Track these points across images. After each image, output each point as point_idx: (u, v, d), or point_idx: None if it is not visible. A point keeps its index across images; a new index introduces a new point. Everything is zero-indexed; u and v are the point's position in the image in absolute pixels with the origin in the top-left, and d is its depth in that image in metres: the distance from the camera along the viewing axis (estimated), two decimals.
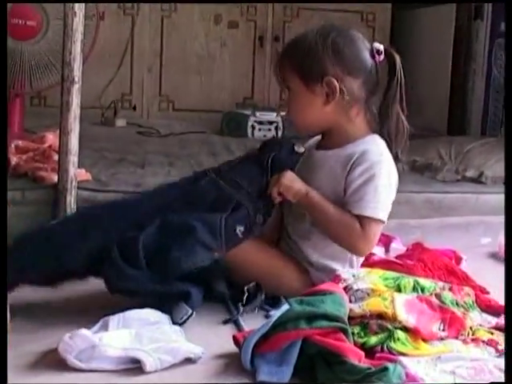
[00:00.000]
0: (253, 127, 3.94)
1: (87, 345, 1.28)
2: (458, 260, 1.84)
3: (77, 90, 2.24)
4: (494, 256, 2.02)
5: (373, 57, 1.64)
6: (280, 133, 3.90)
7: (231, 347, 1.34)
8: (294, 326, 1.27)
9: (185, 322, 1.46)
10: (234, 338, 1.35)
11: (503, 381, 1.15)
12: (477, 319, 1.50)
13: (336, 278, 1.54)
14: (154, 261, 1.48)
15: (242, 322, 1.50)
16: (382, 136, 1.66)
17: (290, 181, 1.61)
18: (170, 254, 1.48)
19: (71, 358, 1.27)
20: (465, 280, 1.70)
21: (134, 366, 1.27)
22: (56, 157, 2.39)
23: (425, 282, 1.61)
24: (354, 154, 1.61)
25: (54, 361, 1.29)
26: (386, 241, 1.97)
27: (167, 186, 1.69)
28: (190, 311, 1.48)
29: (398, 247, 1.94)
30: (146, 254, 1.47)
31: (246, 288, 1.57)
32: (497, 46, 3.79)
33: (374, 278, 1.55)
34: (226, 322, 1.51)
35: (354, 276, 1.55)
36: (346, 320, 1.34)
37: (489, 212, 2.63)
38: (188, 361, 1.30)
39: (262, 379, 1.23)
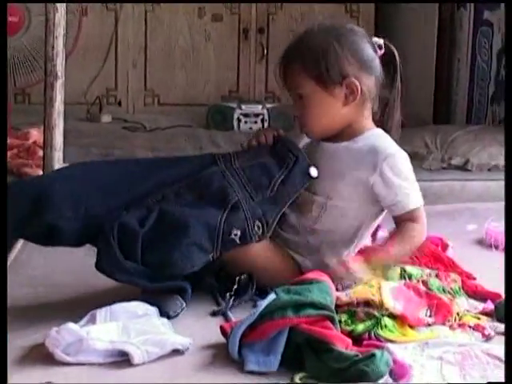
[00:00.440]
0: (239, 120, 3.94)
1: (74, 338, 1.28)
2: (445, 247, 1.84)
3: (60, 85, 2.24)
4: (480, 242, 2.02)
5: (375, 52, 1.63)
6: (266, 125, 3.90)
7: (219, 338, 1.34)
8: (281, 314, 1.27)
9: (177, 315, 1.46)
10: (222, 329, 1.35)
11: (503, 381, 1.15)
12: (463, 305, 1.51)
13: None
14: (151, 260, 1.46)
15: (230, 313, 1.49)
16: (384, 128, 1.66)
17: (361, 273, 1.52)
18: (167, 255, 1.46)
19: (59, 352, 1.27)
20: (451, 266, 1.70)
21: (122, 359, 1.27)
22: (41, 153, 2.39)
23: (411, 269, 1.62)
24: (368, 147, 1.59)
25: (41, 355, 1.29)
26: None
27: (175, 160, 1.64)
28: (184, 304, 1.48)
29: (384, 235, 1.94)
30: (144, 251, 1.45)
31: (237, 278, 1.56)
32: (480, 35, 3.80)
33: None
34: (214, 314, 1.50)
35: None
36: (333, 308, 1.35)
37: (475, 199, 2.64)
38: (176, 352, 1.30)
39: (249, 368, 1.23)
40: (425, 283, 1.55)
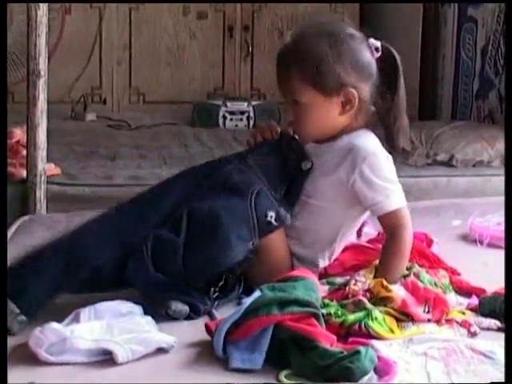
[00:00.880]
0: (224, 117, 3.94)
1: (58, 338, 1.27)
2: (430, 243, 1.84)
3: (43, 83, 2.23)
4: (464, 238, 2.02)
5: (372, 55, 1.60)
6: (252, 122, 3.90)
7: (204, 336, 1.34)
8: (266, 312, 1.27)
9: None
10: (206, 327, 1.34)
11: (502, 380, 1.16)
12: (452, 301, 1.51)
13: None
14: (192, 264, 1.46)
15: (215, 311, 1.49)
16: (390, 132, 1.64)
17: None
18: (207, 253, 1.45)
19: (42, 352, 1.26)
20: (436, 262, 1.70)
21: (106, 358, 1.26)
22: (24, 152, 2.38)
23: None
24: (348, 147, 1.58)
25: (24, 355, 1.28)
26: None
27: (192, 170, 1.63)
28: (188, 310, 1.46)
29: (369, 232, 1.94)
30: (184, 257, 1.45)
31: (224, 276, 1.54)
32: (465, 31, 3.81)
33: None
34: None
35: None
36: (318, 305, 1.34)
37: (460, 194, 2.66)
38: (160, 351, 1.29)
39: (234, 366, 1.23)
40: (416, 275, 1.54)
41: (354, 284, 1.49)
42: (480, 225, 2.00)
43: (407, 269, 1.58)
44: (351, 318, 1.36)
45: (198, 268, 1.47)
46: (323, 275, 1.63)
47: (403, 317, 1.40)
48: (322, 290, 1.50)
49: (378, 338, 1.33)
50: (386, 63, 1.63)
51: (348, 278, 1.56)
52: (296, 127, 1.63)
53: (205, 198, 1.52)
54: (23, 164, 2.38)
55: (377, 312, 1.37)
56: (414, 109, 4.09)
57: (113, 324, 1.33)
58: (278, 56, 1.63)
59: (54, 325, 1.30)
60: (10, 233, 2.03)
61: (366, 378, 1.19)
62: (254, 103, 3.95)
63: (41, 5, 2.16)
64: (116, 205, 1.59)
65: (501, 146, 2.92)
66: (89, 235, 1.51)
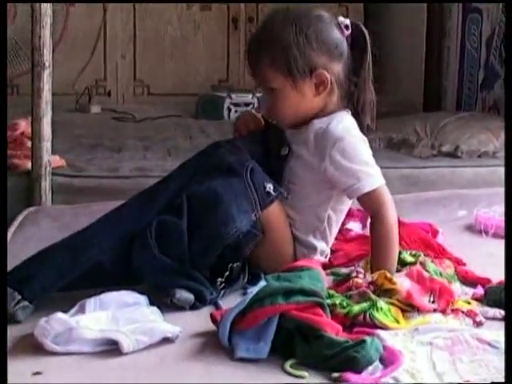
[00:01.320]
0: (229, 109, 3.94)
1: (64, 328, 1.27)
2: (435, 233, 1.84)
3: (48, 75, 2.23)
4: (470, 228, 2.02)
5: (342, 33, 1.61)
6: None
7: (209, 326, 1.34)
8: (271, 301, 1.27)
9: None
10: (212, 316, 1.34)
11: (502, 380, 1.16)
12: (458, 291, 1.51)
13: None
14: (197, 244, 1.47)
15: (221, 301, 1.49)
16: (356, 109, 1.65)
17: None
18: (211, 230, 1.47)
19: (48, 342, 1.26)
20: (441, 252, 1.70)
21: (112, 348, 1.26)
22: (29, 144, 2.38)
23: (405, 255, 1.62)
24: (320, 133, 1.59)
25: (30, 346, 1.28)
26: (363, 216, 1.97)
27: (188, 161, 1.63)
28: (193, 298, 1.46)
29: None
30: (189, 238, 1.47)
31: (229, 266, 1.54)
32: (470, 22, 3.80)
33: None
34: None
35: None
36: (323, 295, 1.34)
37: (465, 185, 2.65)
38: (166, 340, 1.29)
39: (240, 356, 1.23)
40: (422, 264, 1.54)
41: (356, 276, 1.49)
42: (485, 215, 2.00)
43: (413, 256, 1.58)
44: (356, 308, 1.36)
45: (204, 246, 1.48)
46: (328, 266, 1.63)
47: (408, 307, 1.40)
48: (327, 280, 1.50)
49: (384, 328, 1.33)
50: (356, 40, 1.63)
51: (352, 268, 1.56)
52: (272, 113, 1.64)
53: (202, 181, 1.53)
54: (28, 156, 2.38)
55: (382, 303, 1.37)
56: (419, 100, 4.09)
57: (118, 314, 1.34)
58: (248, 45, 1.64)
59: (60, 315, 1.30)
60: (15, 224, 2.03)
61: (371, 368, 1.19)
62: (258, 95, 3.94)
63: None
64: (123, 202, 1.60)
65: None
66: (94, 227, 1.52)
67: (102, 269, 1.48)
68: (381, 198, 1.58)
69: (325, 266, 1.60)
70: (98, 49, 4.27)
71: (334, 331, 1.25)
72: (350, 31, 1.62)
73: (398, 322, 1.37)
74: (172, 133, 3.49)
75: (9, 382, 1.14)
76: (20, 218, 2.09)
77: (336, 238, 1.72)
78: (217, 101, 3.94)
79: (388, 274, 1.44)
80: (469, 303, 1.47)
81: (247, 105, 3.91)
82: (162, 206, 1.53)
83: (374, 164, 1.61)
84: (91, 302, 1.39)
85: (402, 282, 1.41)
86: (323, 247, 1.65)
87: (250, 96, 3.95)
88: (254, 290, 1.32)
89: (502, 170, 2.67)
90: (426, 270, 1.51)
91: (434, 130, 3.15)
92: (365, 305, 1.37)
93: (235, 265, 1.55)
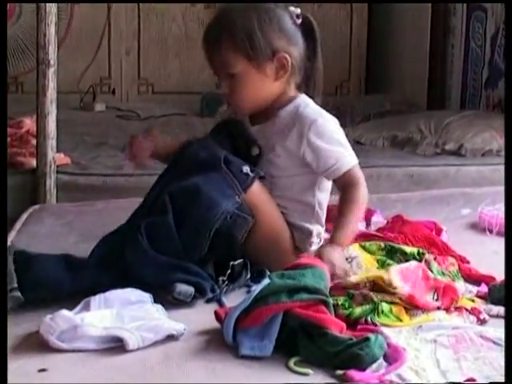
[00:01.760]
0: None
1: (69, 325, 1.28)
2: (439, 231, 1.85)
3: (52, 73, 2.24)
4: (474, 226, 2.03)
5: (295, 22, 1.63)
6: None
7: (213, 323, 1.34)
8: (275, 299, 1.27)
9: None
10: (216, 314, 1.35)
11: (502, 380, 1.16)
12: (461, 289, 1.51)
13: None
14: (184, 233, 1.48)
15: (225, 299, 1.49)
16: (310, 94, 1.67)
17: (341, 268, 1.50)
18: (196, 218, 1.48)
19: (53, 339, 1.27)
20: (445, 250, 1.71)
21: (117, 345, 1.27)
22: (34, 141, 2.38)
23: (411, 250, 1.62)
24: (293, 119, 1.61)
25: (35, 343, 1.28)
26: (367, 214, 1.97)
27: (165, 169, 1.65)
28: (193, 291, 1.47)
29: (378, 220, 1.95)
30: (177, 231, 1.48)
31: (231, 264, 1.55)
32: (474, 20, 3.80)
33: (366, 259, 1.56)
34: (208, 301, 1.50)
35: (347, 259, 1.55)
36: (327, 292, 1.35)
37: (469, 184, 2.66)
38: (170, 338, 1.29)
39: (244, 353, 1.23)
40: (427, 263, 1.54)
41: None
42: (489, 213, 2.00)
43: (419, 254, 1.58)
44: (358, 311, 1.36)
45: (193, 233, 1.48)
46: None
47: (411, 306, 1.40)
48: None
49: (387, 326, 1.33)
50: (305, 31, 1.65)
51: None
52: (233, 100, 1.64)
53: (180, 179, 1.54)
54: (33, 153, 2.39)
55: (384, 304, 1.37)
56: (423, 98, 4.09)
57: (123, 312, 1.34)
58: (207, 31, 1.63)
59: (65, 312, 1.31)
60: (20, 222, 2.04)
61: (375, 365, 1.19)
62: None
63: None
64: None
65: None
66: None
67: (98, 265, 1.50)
68: (355, 176, 1.61)
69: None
70: (103, 47, 4.28)
71: (337, 329, 1.25)
72: (300, 20, 1.64)
73: (400, 320, 1.37)
74: (176, 131, 3.50)
75: (15, 379, 1.15)
76: (25, 215, 2.10)
77: None
78: (221, 99, 3.93)
79: (385, 277, 1.42)
80: (473, 301, 1.47)
81: None
82: (147, 208, 1.55)
83: (348, 144, 1.64)
84: (96, 300, 1.39)
85: (403, 287, 1.40)
86: (318, 229, 1.68)
87: None
88: (257, 288, 1.31)
89: None
90: (430, 270, 1.51)
91: (438, 128, 3.15)
92: (366, 307, 1.37)
93: (236, 262, 1.56)
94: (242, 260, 1.57)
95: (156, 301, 1.43)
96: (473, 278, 1.59)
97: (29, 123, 2.56)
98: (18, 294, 1.42)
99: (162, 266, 1.47)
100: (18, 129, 2.55)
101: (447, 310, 1.41)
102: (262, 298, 1.28)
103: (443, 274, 1.54)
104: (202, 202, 1.49)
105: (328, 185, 1.69)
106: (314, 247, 1.65)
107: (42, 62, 2.21)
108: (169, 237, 1.48)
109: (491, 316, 1.41)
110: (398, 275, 1.42)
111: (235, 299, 1.42)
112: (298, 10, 1.65)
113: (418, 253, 1.57)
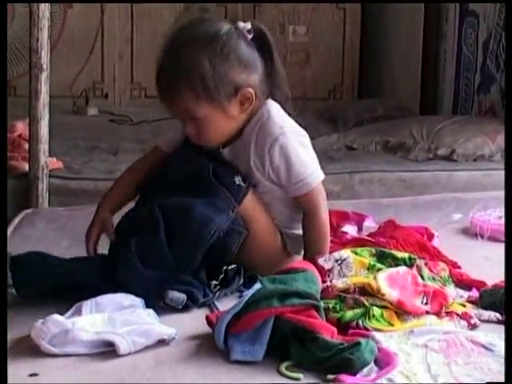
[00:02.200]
0: None
1: (60, 329, 1.28)
2: (430, 236, 1.85)
3: (45, 77, 2.24)
4: (465, 232, 2.03)
5: (246, 40, 1.55)
6: None
7: (205, 328, 1.34)
8: (267, 304, 1.28)
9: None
10: (208, 319, 1.35)
11: (502, 371, 1.16)
12: (452, 294, 1.51)
13: (322, 272, 1.53)
14: (177, 249, 1.47)
15: (217, 303, 1.50)
16: (273, 96, 1.62)
17: None
18: (188, 234, 1.46)
19: (44, 344, 1.26)
20: (436, 256, 1.71)
21: (108, 350, 1.27)
22: (26, 146, 2.38)
23: (402, 255, 1.62)
24: (254, 139, 1.58)
25: (27, 347, 1.28)
26: (358, 219, 1.98)
27: (149, 186, 1.63)
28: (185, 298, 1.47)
29: (370, 225, 1.95)
30: (169, 247, 1.47)
31: (224, 268, 1.55)
32: (466, 25, 3.82)
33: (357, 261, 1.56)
34: (201, 305, 1.50)
35: (337, 261, 1.55)
36: (319, 297, 1.35)
37: (461, 189, 2.66)
38: (161, 342, 1.29)
39: (235, 358, 1.23)
40: (418, 269, 1.54)
41: (332, 279, 1.50)
42: (481, 219, 2.01)
43: (410, 259, 1.58)
44: (349, 314, 1.36)
45: (187, 252, 1.47)
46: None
47: (401, 311, 1.40)
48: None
49: (378, 330, 1.34)
50: (258, 41, 1.57)
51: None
52: (199, 140, 1.57)
53: (170, 196, 1.51)
54: (25, 157, 2.38)
55: (375, 308, 1.38)
56: (416, 103, 4.10)
57: (114, 317, 1.34)
58: (162, 80, 1.54)
59: (56, 316, 1.31)
60: (12, 226, 2.04)
61: (366, 369, 1.19)
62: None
63: None
64: None
65: (502, 140, 2.93)
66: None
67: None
68: (318, 194, 1.60)
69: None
70: (96, 51, 4.28)
71: (328, 333, 1.26)
72: (252, 35, 1.56)
73: (392, 324, 1.37)
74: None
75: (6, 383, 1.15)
76: (17, 219, 2.10)
77: (331, 241, 1.73)
78: None
79: (373, 284, 1.41)
80: (464, 306, 1.48)
81: None
82: (139, 228, 1.52)
83: (312, 158, 1.62)
84: (87, 305, 1.39)
85: (390, 293, 1.40)
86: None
87: None
88: (248, 293, 1.32)
89: (497, 174, 2.69)
90: (421, 276, 1.51)
91: (431, 133, 3.16)
92: (358, 311, 1.37)
93: (230, 267, 1.56)
94: (235, 265, 1.57)
95: (148, 305, 1.43)
96: (464, 283, 1.59)
97: (21, 127, 2.56)
98: (13, 290, 1.42)
99: (153, 281, 1.46)
100: (11, 133, 2.55)
101: (438, 314, 1.41)
102: (254, 303, 1.28)
103: (434, 279, 1.54)
104: (195, 217, 1.47)
105: None
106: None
107: (35, 66, 2.21)
108: (161, 255, 1.47)
109: (482, 321, 1.41)
110: (385, 281, 1.42)
111: (227, 304, 1.42)
112: (248, 25, 1.56)
113: (409, 258, 1.57)
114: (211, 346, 1.28)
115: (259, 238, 1.58)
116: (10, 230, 1.99)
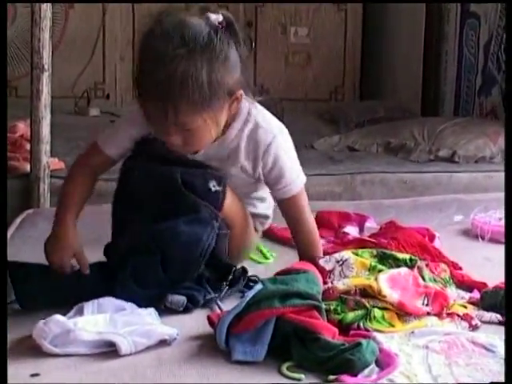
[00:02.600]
0: None
1: (62, 330, 1.28)
2: (432, 237, 1.85)
3: (47, 77, 2.24)
4: (466, 233, 2.03)
5: (216, 32, 1.47)
6: None
7: (206, 328, 1.35)
8: (268, 304, 1.28)
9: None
10: (209, 319, 1.35)
11: (502, 372, 1.16)
12: (453, 295, 1.52)
13: (323, 273, 1.53)
14: (171, 272, 1.47)
15: (220, 303, 1.50)
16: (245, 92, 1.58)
17: None
18: (180, 257, 1.47)
19: (46, 344, 1.27)
20: (437, 257, 1.71)
21: (109, 350, 1.27)
22: (28, 146, 2.38)
23: (403, 256, 1.62)
24: (245, 140, 1.58)
25: (29, 347, 1.28)
26: (360, 220, 1.99)
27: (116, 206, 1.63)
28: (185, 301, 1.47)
29: (371, 226, 1.96)
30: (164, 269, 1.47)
31: (233, 270, 1.55)
32: (467, 27, 3.82)
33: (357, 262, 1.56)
34: (205, 304, 1.50)
35: (338, 262, 1.55)
36: (320, 298, 1.35)
37: (462, 190, 2.67)
38: (163, 343, 1.30)
39: (237, 358, 1.23)
40: (419, 270, 1.55)
41: (333, 280, 1.50)
42: (482, 220, 2.01)
43: (411, 261, 1.59)
44: (350, 316, 1.36)
45: (182, 275, 1.49)
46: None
47: (403, 312, 1.40)
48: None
49: (379, 331, 1.34)
50: (228, 30, 1.50)
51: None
52: (185, 149, 1.53)
53: (147, 221, 1.49)
54: (27, 158, 2.39)
55: (376, 310, 1.38)
56: (417, 105, 4.10)
57: (116, 317, 1.34)
58: (157, 92, 1.44)
59: (58, 317, 1.31)
60: (14, 226, 2.04)
61: (367, 370, 1.19)
62: (257, 99, 3.95)
63: None
64: None
65: (503, 142, 2.92)
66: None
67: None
68: (302, 197, 1.63)
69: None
70: (97, 52, 4.29)
71: (330, 334, 1.26)
72: (224, 24, 1.49)
73: (393, 326, 1.37)
74: None
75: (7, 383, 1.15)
76: (18, 220, 2.10)
77: (333, 242, 1.73)
78: None
79: (374, 286, 1.41)
80: (465, 307, 1.48)
81: None
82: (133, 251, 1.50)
83: (297, 161, 1.65)
84: (89, 305, 1.39)
85: (391, 294, 1.40)
86: (270, 213, 1.75)
87: None
88: (250, 293, 1.32)
89: (498, 175, 2.69)
90: (422, 277, 1.51)
91: (432, 134, 3.16)
92: (359, 313, 1.37)
93: (237, 269, 1.57)
94: (241, 267, 1.58)
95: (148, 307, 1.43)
96: (465, 284, 1.59)
97: (23, 128, 2.57)
98: (17, 306, 1.42)
99: (152, 297, 1.45)
100: (12, 133, 2.55)
101: (439, 315, 1.42)
102: (255, 304, 1.29)
103: (435, 280, 1.55)
104: (183, 242, 1.46)
105: None
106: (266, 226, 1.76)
107: (37, 66, 2.21)
108: (155, 276, 1.47)
109: (483, 322, 1.41)
110: (386, 283, 1.42)
111: (229, 304, 1.42)
112: (220, 17, 1.48)
113: (410, 259, 1.57)
114: (212, 347, 1.28)
115: (238, 231, 1.61)
116: (11, 230, 2.00)
